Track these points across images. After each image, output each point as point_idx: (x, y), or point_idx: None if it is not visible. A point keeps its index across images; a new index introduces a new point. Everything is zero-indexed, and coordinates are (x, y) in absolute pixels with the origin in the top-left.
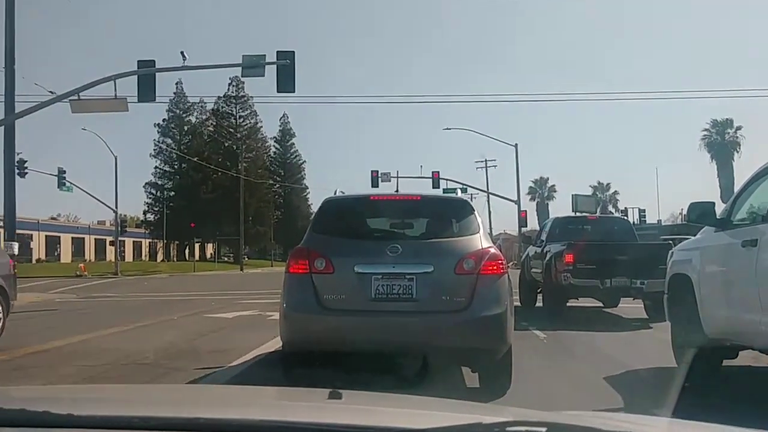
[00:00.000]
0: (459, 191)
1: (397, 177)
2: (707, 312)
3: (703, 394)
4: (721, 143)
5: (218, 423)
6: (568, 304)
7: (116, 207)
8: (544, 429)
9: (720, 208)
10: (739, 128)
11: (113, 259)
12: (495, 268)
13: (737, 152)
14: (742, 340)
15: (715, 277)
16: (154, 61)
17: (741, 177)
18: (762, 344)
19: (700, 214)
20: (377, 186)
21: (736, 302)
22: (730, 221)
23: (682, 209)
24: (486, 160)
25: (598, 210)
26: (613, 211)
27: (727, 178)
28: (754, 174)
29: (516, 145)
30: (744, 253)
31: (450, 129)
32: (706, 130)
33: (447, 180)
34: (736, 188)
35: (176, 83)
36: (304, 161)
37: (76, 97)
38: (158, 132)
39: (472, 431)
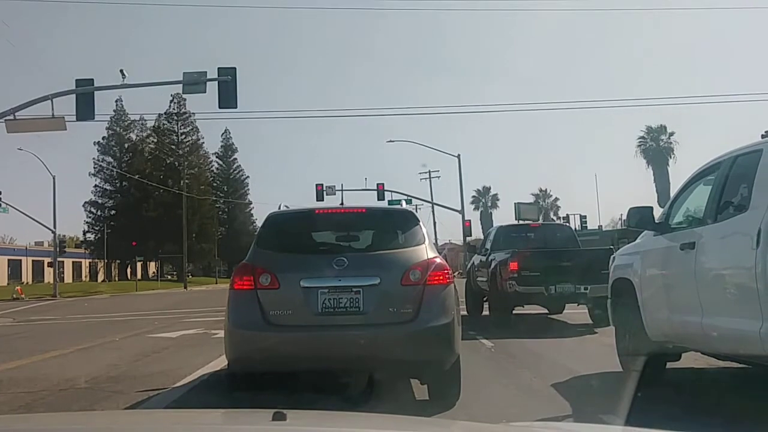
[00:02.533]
0: (404, 202)
1: (342, 190)
2: (649, 315)
3: (648, 399)
4: (656, 149)
5: None
6: (514, 312)
7: (54, 227)
8: None
9: (658, 212)
10: (672, 134)
11: (52, 281)
12: (441, 278)
13: (672, 158)
14: (683, 342)
15: (655, 280)
16: (92, 80)
17: (676, 182)
18: (703, 346)
19: (639, 219)
20: (322, 199)
21: (677, 305)
22: (668, 225)
23: (621, 214)
24: (429, 171)
25: (541, 217)
26: (555, 218)
27: (663, 183)
28: (689, 179)
29: (459, 156)
30: (683, 256)
31: (393, 141)
32: (641, 137)
33: (392, 192)
34: (672, 193)
35: (116, 101)
36: (248, 177)
37: (11, 117)
38: (98, 150)
39: None
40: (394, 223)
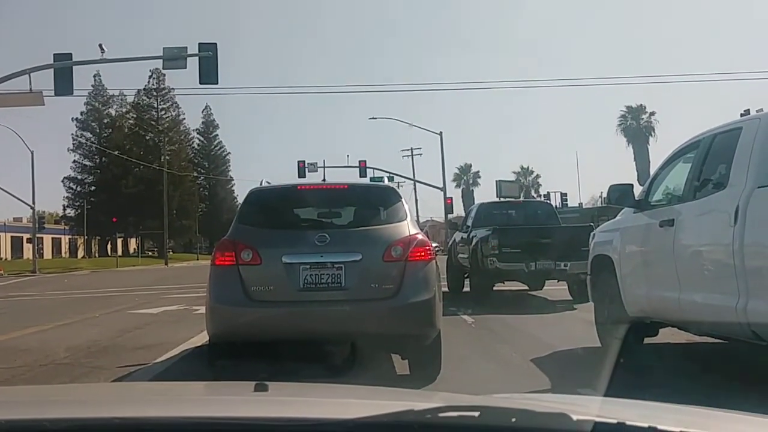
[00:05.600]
0: (386, 179)
1: (324, 167)
2: (628, 291)
3: (626, 373)
4: (637, 128)
5: (135, 422)
6: (494, 288)
7: (33, 203)
8: (476, 413)
9: (638, 190)
10: (652, 113)
11: (31, 257)
12: (423, 254)
13: (652, 136)
14: (661, 317)
15: (635, 257)
16: (70, 54)
17: (656, 160)
18: (680, 321)
19: (619, 196)
20: (304, 176)
21: (655, 281)
22: (648, 202)
23: (602, 192)
24: (411, 149)
25: (522, 195)
26: (536, 195)
27: (643, 161)
28: (668, 157)
29: (441, 133)
30: (662, 233)
31: (376, 118)
32: (622, 115)
33: (374, 169)
34: (652, 171)
35: (94, 75)
36: (229, 153)
37: None
38: (76, 126)
39: (404, 419)
40: (376, 199)
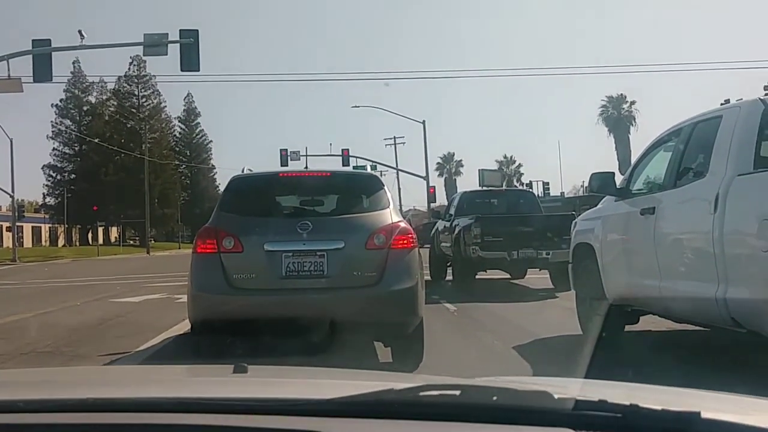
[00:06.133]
0: (369, 168)
1: (307, 155)
2: (609, 279)
3: (607, 360)
4: (618, 118)
5: (110, 402)
6: (476, 277)
7: (13, 191)
8: (457, 392)
9: (619, 178)
10: (633, 103)
11: (10, 246)
12: (405, 242)
13: (633, 126)
14: (642, 305)
15: (616, 245)
16: (49, 40)
17: (637, 149)
18: (660, 309)
19: (600, 185)
20: (287, 164)
21: (636, 269)
22: (629, 191)
23: (583, 181)
24: (395, 138)
25: (504, 184)
26: (518, 184)
27: (624, 150)
28: (649, 145)
29: (424, 122)
30: (643, 221)
31: (358, 107)
32: (603, 105)
33: (357, 157)
34: (633, 159)
35: (73, 62)
36: (211, 141)
37: None
38: (56, 113)
39: (384, 398)
40: (358, 187)
